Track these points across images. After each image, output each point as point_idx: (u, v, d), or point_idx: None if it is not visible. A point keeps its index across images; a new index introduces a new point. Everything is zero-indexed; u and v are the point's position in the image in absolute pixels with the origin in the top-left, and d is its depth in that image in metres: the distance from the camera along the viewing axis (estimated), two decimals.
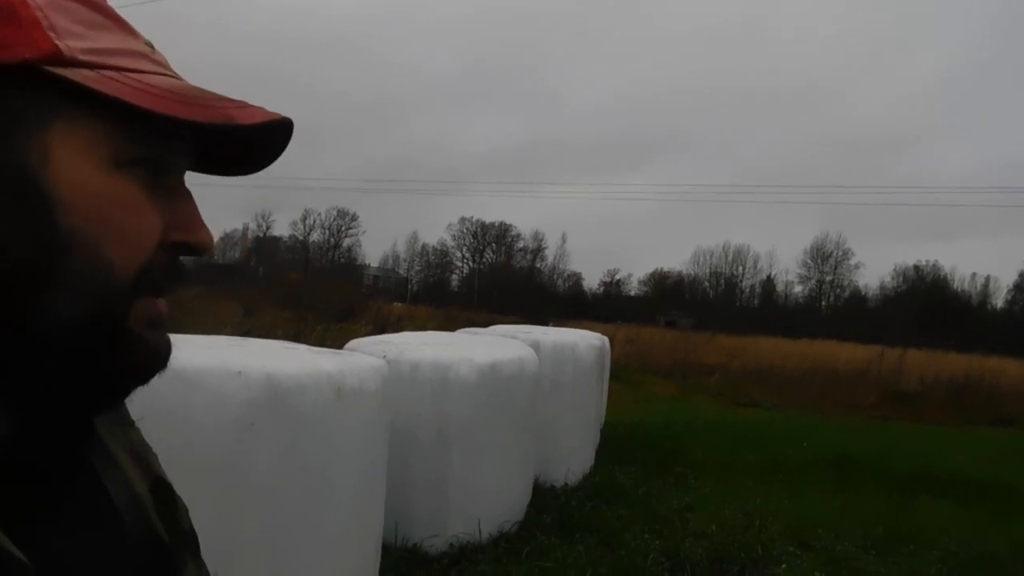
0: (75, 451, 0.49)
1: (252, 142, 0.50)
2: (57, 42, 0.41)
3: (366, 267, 68.69)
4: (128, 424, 0.59)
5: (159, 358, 0.48)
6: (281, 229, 75.75)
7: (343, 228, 70.49)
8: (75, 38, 0.42)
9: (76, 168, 0.41)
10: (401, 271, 73.17)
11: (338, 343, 4.61)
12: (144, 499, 0.54)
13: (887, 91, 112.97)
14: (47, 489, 0.46)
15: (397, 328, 10.57)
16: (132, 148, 0.43)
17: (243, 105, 0.45)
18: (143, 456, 0.57)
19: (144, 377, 0.47)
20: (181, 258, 0.48)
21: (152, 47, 0.47)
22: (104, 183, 0.42)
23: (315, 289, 24.85)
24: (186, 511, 0.60)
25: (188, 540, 0.59)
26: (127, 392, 0.48)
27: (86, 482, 0.50)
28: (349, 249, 70.31)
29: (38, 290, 0.41)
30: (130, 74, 0.43)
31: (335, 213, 70.19)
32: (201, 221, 0.48)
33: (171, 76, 0.46)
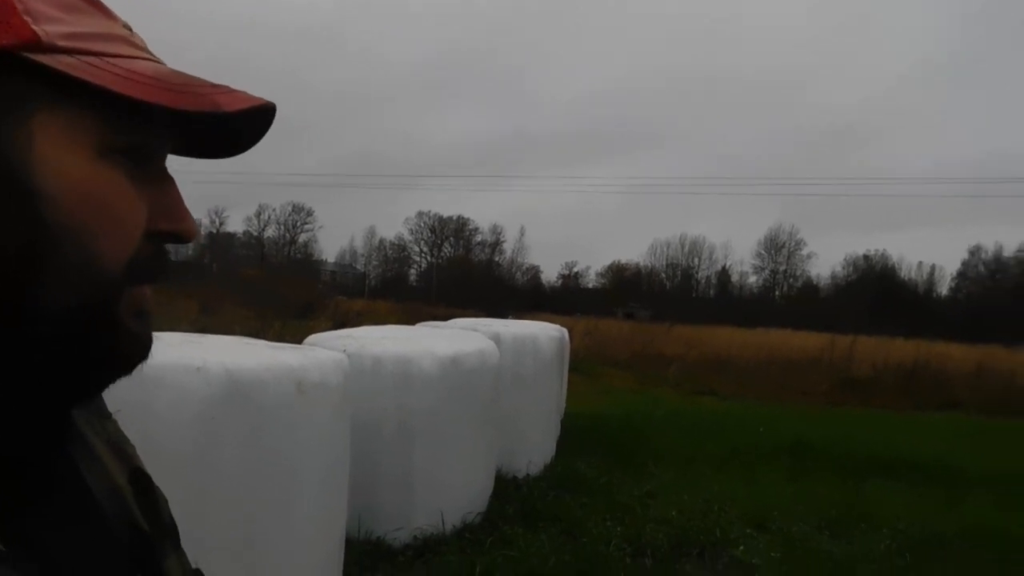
0: (55, 443, 0.49)
1: (233, 126, 0.49)
2: (35, 27, 0.39)
3: (323, 263, 67.91)
4: (105, 416, 0.58)
5: (144, 348, 0.47)
6: (235, 225, 74.56)
7: (299, 224, 69.64)
8: (53, 23, 0.40)
9: (60, 158, 0.40)
10: (359, 266, 72.54)
11: (297, 339, 4.56)
12: (124, 490, 0.53)
13: (847, 85, 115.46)
14: (27, 481, 0.45)
15: (357, 323, 10.50)
16: (116, 136, 0.42)
17: (228, 91, 0.45)
18: (122, 448, 0.57)
19: (129, 367, 0.47)
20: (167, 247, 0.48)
21: (130, 29, 0.46)
22: (89, 173, 0.41)
23: (273, 285, 24.50)
24: (166, 502, 0.60)
25: (169, 531, 0.58)
26: (110, 382, 0.48)
27: (66, 474, 0.49)
28: (305, 245, 69.49)
29: (26, 283, 0.40)
30: (111, 59, 0.42)
31: (290, 208, 69.35)
32: (186, 209, 0.47)
33: (152, 60, 0.45)
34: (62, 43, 0.40)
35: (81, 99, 0.41)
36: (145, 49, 0.46)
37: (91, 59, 0.41)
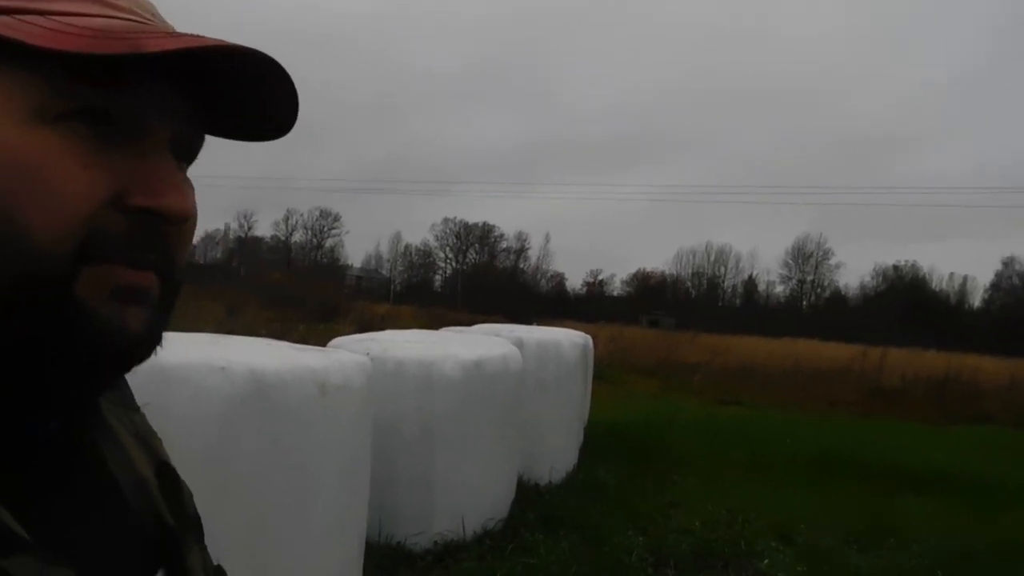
0: (78, 433, 0.48)
1: (249, 94, 0.46)
2: None
3: (349, 267, 68.48)
4: (133, 409, 0.58)
5: (124, 336, 0.42)
6: (263, 229, 75.46)
7: (326, 228, 70.38)
8: None
9: None
10: (384, 271, 72.99)
11: (322, 343, 4.58)
12: (149, 483, 0.53)
13: (879, 93, 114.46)
14: (50, 470, 0.44)
15: (381, 328, 10.53)
16: (64, 99, 0.40)
17: (166, 35, 0.41)
18: (148, 441, 0.57)
19: (116, 359, 0.43)
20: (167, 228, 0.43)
21: None
22: (23, 139, 0.39)
23: (298, 289, 24.72)
24: (191, 496, 0.59)
25: (193, 525, 0.58)
26: (91, 375, 0.44)
27: (92, 465, 0.49)
28: (332, 249, 70.23)
29: None
30: (57, 17, 0.39)
31: (317, 213, 70.09)
32: (170, 184, 0.43)
33: (128, 19, 0.42)
34: None
35: (21, 61, 0.38)
36: (132, 11, 0.43)
37: (31, 18, 0.39)
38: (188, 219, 0.44)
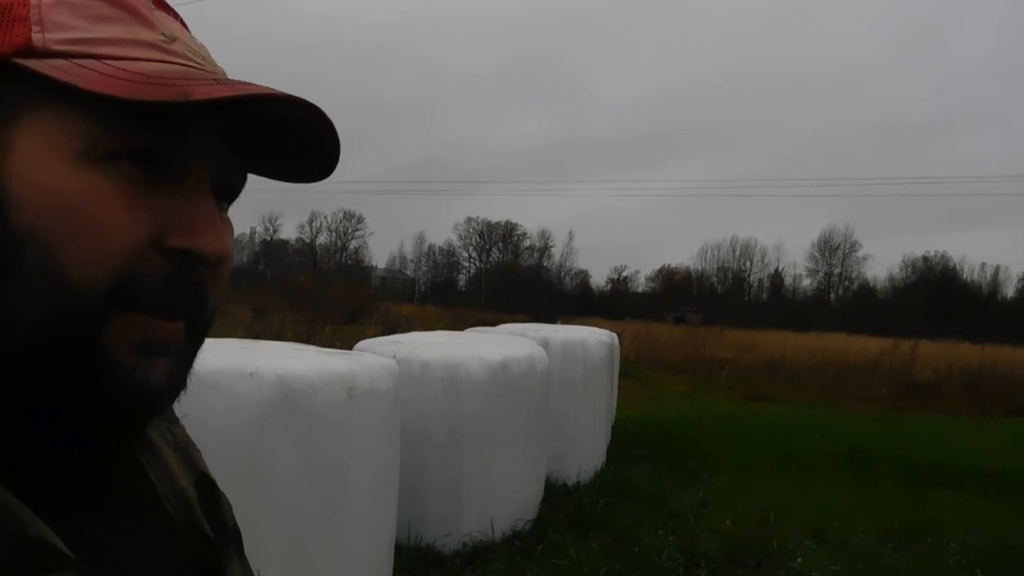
0: (118, 446, 0.48)
1: (292, 139, 0.46)
2: (33, 35, 0.39)
3: (373, 268, 68.80)
4: (172, 421, 0.59)
5: (148, 386, 0.42)
6: (288, 232, 76.15)
7: (350, 230, 70.71)
8: (63, 31, 0.40)
9: (38, 163, 0.39)
10: (408, 272, 73.27)
11: (347, 344, 4.59)
12: (189, 495, 0.53)
13: (905, 82, 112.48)
14: (92, 482, 0.45)
15: (406, 328, 10.57)
16: (112, 140, 0.40)
17: (213, 82, 0.41)
18: (188, 452, 0.57)
19: (131, 404, 0.42)
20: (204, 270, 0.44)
21: (170, 38, 0.44)
22: (69, 179, 0.39)
23: (323, 291, 24.90)
24: (230, 507, 0.60)
25: (232, 536, 0.58)
26: (120, 419, 0.44)
27: (132, 477, 0.49)
28: (356, 251, 70.53)
29: None
30: (111, 61, 0.40)
31: (341, 215, 70.44)
32: (208, 225, 0.43)
33: (180, 64, 0.43)
34: (58, 48, 0.40)
35: (74, 102, 0.39)
36: (184, 56, 0.44)
37: (87, 62, 0.40)
38: (224, 261, 0.44)
